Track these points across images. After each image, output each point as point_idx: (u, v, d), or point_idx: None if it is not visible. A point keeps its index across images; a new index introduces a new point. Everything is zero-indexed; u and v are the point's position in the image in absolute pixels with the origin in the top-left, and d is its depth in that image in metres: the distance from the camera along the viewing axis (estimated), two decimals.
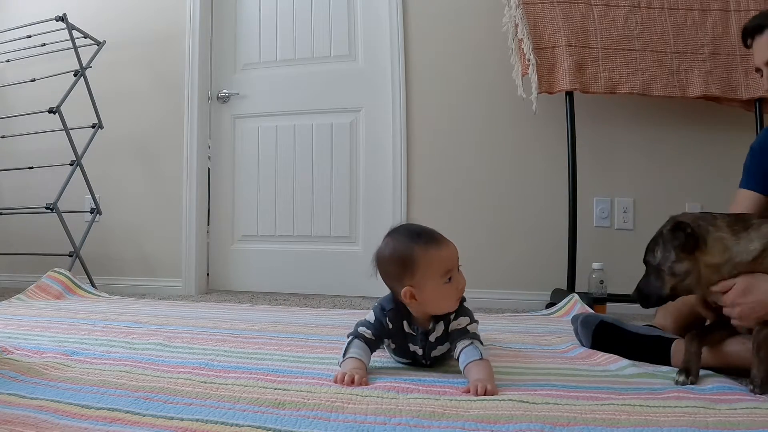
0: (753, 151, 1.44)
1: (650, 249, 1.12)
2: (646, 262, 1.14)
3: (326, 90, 2.77)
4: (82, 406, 0.85)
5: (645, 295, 1.13)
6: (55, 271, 2.39)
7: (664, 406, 0.88)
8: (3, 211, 2.73)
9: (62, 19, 2.56)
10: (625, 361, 1.17)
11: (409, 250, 1.07)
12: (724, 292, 1.04)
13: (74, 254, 2.52)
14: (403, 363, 1.18)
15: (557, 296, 2.22)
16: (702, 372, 1.06)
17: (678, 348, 1.17)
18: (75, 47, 2.60)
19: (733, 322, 1.06)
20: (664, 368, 1.15)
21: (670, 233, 1.07)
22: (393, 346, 1.16)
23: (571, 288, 2.20)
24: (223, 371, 1.10)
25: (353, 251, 2.69)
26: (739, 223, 1.05)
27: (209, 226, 2.92)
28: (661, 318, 1.36)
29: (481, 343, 1.08)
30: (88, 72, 2.66)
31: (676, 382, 1.03)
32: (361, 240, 2.70)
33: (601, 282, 2.15)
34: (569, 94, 2.25)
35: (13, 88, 2.89)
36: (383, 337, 1.13)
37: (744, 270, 1.02)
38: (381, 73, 2.67)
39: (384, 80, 2.65)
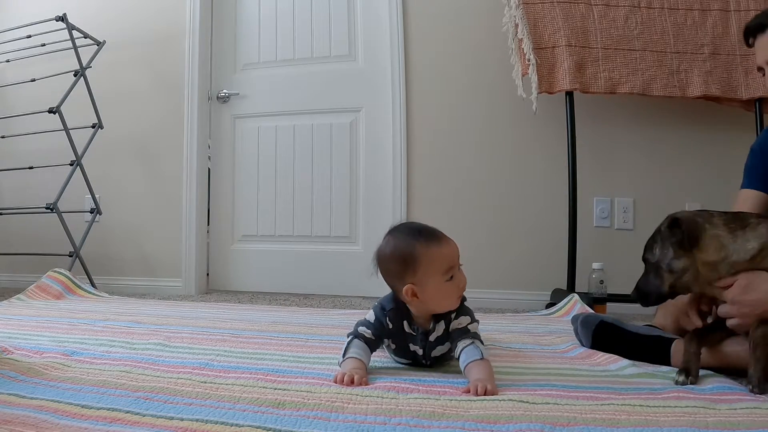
0: (753, 153, 1.44)
1: (649, 246, 1.13)
2: (645, 259, 1.14)
3: (326, 90, 2.77)
4: (82, 406, 0.85)
5: (644, 293, 1.13)
6: (55, 271, 2.39)
7: (664, 406, 0.88)
8: (3, 211, 2.73)
9: (62, 19, 2.56)
10: (625, 361, 1.17)
11: (411, 247, 1.07)
12: (726, 287, 1.03)
13: (74, 254, 2.52)
14: (403, 363, 1.18)
15: (557, 296, 2.22)
16: (702, 372, 1.06)
17: (678, 348, 1.17)
18: (75, 47, 2.60)
19: (729, 323, 1.05)
20: (664, 368, 1.14)
21: (668, 230, 1.07)
22: (393, 346, 1.16)
23: (571, 288, 2.20)
24: (223, 371, 1.09)
25: (353, 251, 2.69)
26: (737, 221, 1.05)
27: (209, 226, 2.92)
28: (661, 318, 1.35)
29: (482, 343, 1.08)
30: (88, 72, 2.66)
31: (676, 382, 1.03)
32: (361, 240, 2.70)
33: (601, 282, 2.15)
34: (569, 94, 2.25)
35: (13, 88, 2.89)
36: (383, 336, 1.13)
37: (742, 269, 1.03)
38: (381, 73, 2.67)
39: (384, 80, 2.65)
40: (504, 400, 0.90)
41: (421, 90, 2.61)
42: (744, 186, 1.42)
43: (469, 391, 0.95)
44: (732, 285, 1.03)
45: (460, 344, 1.07)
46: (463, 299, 1.13)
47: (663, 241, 1.08)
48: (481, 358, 1.02)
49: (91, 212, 2.68)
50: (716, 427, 0.79)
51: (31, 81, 2.74)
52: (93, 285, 2.55)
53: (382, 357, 1.22)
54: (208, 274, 2.90)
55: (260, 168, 2.85)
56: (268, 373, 1.08)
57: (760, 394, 0.95)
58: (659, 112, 2.40)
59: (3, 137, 2.84)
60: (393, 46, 2.62)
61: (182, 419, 0.81)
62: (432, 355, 1.14)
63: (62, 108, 2.51)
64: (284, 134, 2.82)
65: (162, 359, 1.19)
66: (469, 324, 1.10)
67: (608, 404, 0.89)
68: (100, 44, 2.74)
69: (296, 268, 2.77)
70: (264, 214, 2.83)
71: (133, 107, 2.87)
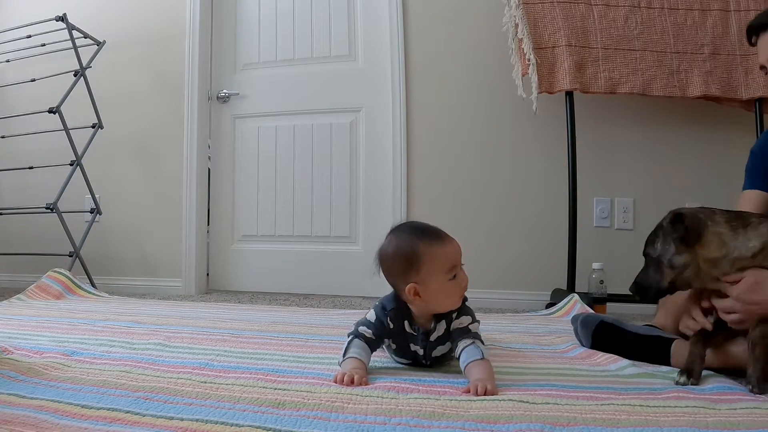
0: (753, 155, 1.45)
1: (650, 241, 1.12)
2: (645, 254, 1.13)
3: (326, 90, 2.77)
4: (82, 406, 0.85)
5: (643, 288, 1.12)
6: (55, 271, 2.39)
7: (664, 406, 0.88)
8: (3, 211, 2.73)
9: (62, 19, 2.56)
10: (625, 361, 1.17)
11: (414, 246, 1.07)
12: (733, 283, 1.03)
13: (74, 254, 2.52)
14: (403, 363, 1.18)
15: (557, 296, 2.22)
16: (702, 372, 1.06)
17: (678, 348, 1.17)
18: (75, 47, 2.60)
19: (729, 318, 1.05)
20: (664, 368, 1.14)
21: (670, 225, 1.07)
22: (393, 346, 1.16)
23: (571, 288, 2.20)
24: (223, 371, 1.09)
25: (353, 251, 2.69)
26: (738, 220, 1.05)
27: (209, 226, 2.92)
28: (661, 318, 1.35)
29: (483, 343, 1.08)
30: (88, 72, 2.66)
31: (677, 383, 1.03)
32: (361, 240, 2.70)
33: (601, 282, 2.15)
34: (569, 94, 2.25)
35: (13, 88, 2.89)
36: (384, 336, 1.13)
37: (743, 266, 1.02)
38: (381, 73, 2.67)
39: (384, 80, 2.65)
40: (504, 400, 0.90)
41: (421, 90, 2.61)
42: (746, 187, 1.43)
43: (469, 391, 0.95)
44: (739, 281, 1.02)
45: (461, 344, 1.07)
46: (465, 299, 1.13)
47: (665, 236, 1.08)
48: (481, 358, 1.02)
49: (91, 212, 2.68)
50: (716, 427, 0.79)
51: (31, 81, 2.74)
52: (93, 285, 2.55)
53: (382, 357, 1.22)
54: (208, 274, 2.90)
55: (260, 168, 2.85)
56: (268, 373, 1.08)
57: (760, 393, 0.95)
58: (659, 112, 2.40)
59: (3, 137, 2.84)
60: (393, 46, 2.62)
61: (182, 419, 0.81)
62: (432, 355, 1.14)
63: (62, 108, 2.51)
64: (284, 134, 2.82)
65: (162, 359, 1.19)
66: (470, 324, 1.10)
67: (608, 404, 0.89)
68: (100, 44, 2.74)
69: (296, 268, 2.77)
70: (264, 214, 2.83)
71: (133, 107, 2.87)
